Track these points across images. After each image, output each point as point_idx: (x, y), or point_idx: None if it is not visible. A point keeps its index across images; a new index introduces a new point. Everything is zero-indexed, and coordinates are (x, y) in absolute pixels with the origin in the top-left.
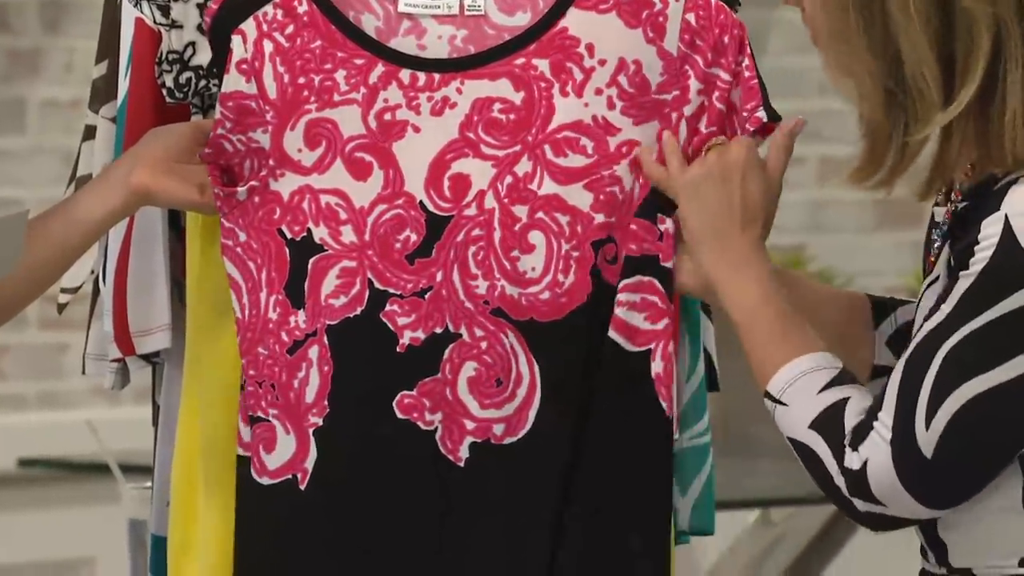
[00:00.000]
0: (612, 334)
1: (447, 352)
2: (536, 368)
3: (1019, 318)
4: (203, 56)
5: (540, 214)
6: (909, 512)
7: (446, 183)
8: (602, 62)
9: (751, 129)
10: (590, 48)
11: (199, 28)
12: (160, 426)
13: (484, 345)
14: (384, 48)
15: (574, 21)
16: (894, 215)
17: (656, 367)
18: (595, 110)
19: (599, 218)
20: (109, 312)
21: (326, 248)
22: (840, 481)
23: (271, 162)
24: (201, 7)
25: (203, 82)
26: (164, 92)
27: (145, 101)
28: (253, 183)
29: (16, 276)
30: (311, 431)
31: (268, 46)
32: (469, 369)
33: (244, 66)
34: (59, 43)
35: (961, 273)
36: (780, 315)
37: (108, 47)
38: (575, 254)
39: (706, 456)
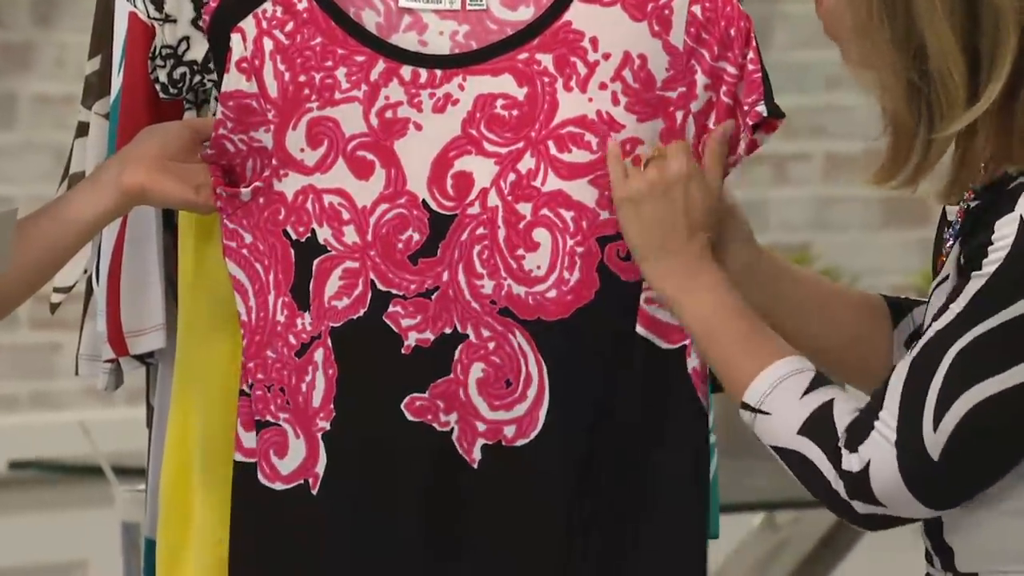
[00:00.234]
0: (643, 332)
1: (457, 353)
2: (544, 368)
3: None
4: (197, 51)
5: (544, 211)
6: (910, 512)
7: (449, 181)
8: (606, 56)
9: (751, 123)
10: (594, 42)
11: (193, 22)
12: (154, 428)
13: (492, 346)
14: (385, 44)
15: (578, 14)
16: (901, 212)
17: (692, 362)
18: (599, 105)
19: (604, 214)
20: (102, 312)
21: (330, 249)
22: (839, 485)
23: (274, 162)
24: (196, 1)
25: (197, 77)
26: (158, 88)
27: (139, 97)
28: (257, 184)
29: (7, 276)
30: (320, 435)
31: (268, 44)
32: (477, 370)
33: (244, 65)
34: (51, 37)
35: (973, 273)
36: (741, 322)
37: (101, 42)
38: (580, 250)
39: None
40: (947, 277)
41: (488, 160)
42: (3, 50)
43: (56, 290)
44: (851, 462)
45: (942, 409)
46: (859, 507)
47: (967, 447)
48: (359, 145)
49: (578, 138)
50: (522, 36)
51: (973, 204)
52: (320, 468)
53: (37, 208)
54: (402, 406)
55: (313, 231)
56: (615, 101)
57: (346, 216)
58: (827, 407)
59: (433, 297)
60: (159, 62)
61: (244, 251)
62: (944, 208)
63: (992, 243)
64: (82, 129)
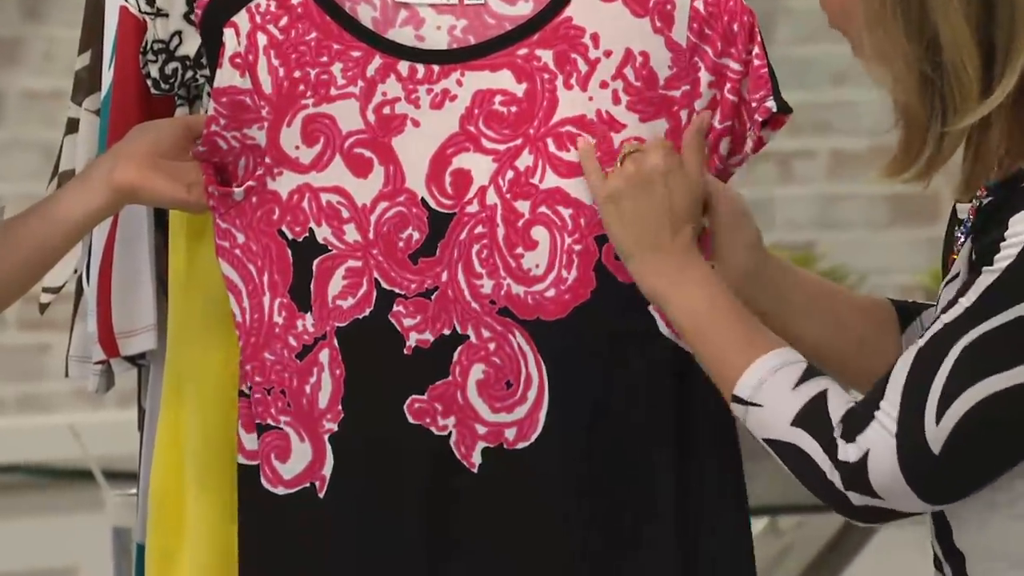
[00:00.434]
0: (666, 331)
1: (456, 354)
2: (544, 368)
3: None
4: (190, 46)
5: (543, 208)
6: (906, 506)
7: (447, 179)
8: (608, 53)
9: (760, 120)
10: (595, 38)
11: (185, 17)
12: (146, 431)
13: (492, 347)
14: (381, 39)
15: (579, 10)
16: (908, 210)
17: None
18: (600, 104)
19: None
20: (93, 312)
21: (330, 248)
22: (834, 476)
23: (268, 160)
24: None
25: (189, 73)
26: (149, 83)
27: (130, 93)
28: (250, 183)
29: None
30: (327, 437)
31: (262, 39)
32: (478, 372)
33: (238, 60)
34: (39, 32)
35: (984, 269)
36: (731, 315)
37: (91, 36)
38: (578, 248)
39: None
40: (957, 274)
41: (486, 157)
42: None
43: (45, 290)
44: (848, 452)
45: (946, 403)
46: (855, 499)
47: (969, 442)
48: (356, 142)
49: (577, 137)
50: (521, 31)
51: (986, 201)
52: (327, 470)
53: (26, 207)
54: (404, 407)
55: (311, 230)
56: (616, 100)
57: (346, 214)
58: (821, 398)
59: (433, 297)
60: (151, 57)
61: (237, 251)
62: (955, 206)
63: (1005, 239)
64: (72, 126)
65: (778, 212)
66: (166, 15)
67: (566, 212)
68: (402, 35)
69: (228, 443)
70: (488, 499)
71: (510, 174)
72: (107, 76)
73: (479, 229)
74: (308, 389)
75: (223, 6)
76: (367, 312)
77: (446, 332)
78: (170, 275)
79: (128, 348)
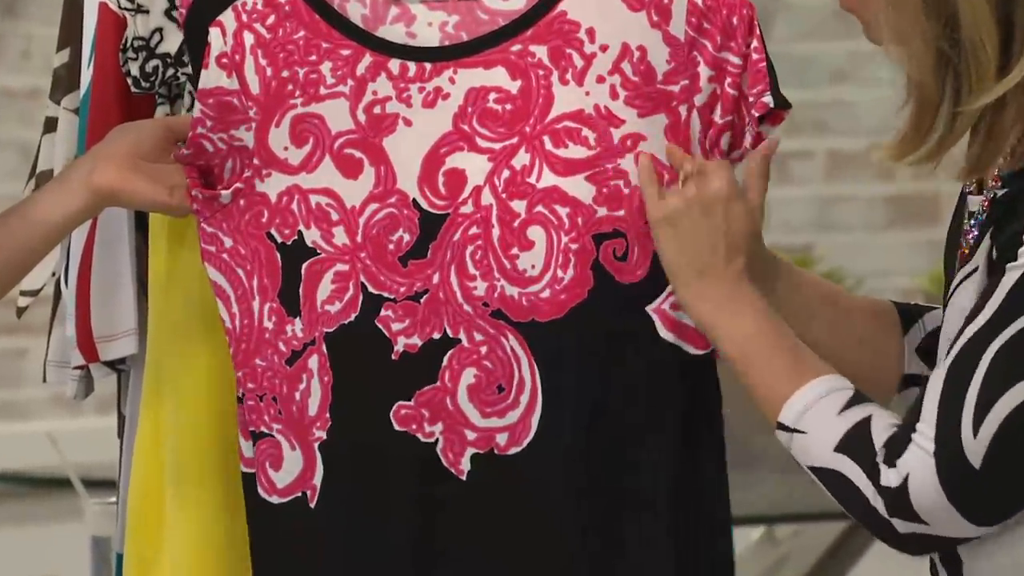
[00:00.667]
0: (667, 336)
1: (446, 359)
2: (537, 372)
3: None
4: (171, 43)
5: (539, 207)
6: (954, 530)
7: (440, 179)
8: (604, 48)
9: (757, 115)
10: (591, 33)
11: (167, 13)
12: (126, 438)
13: (484, 350)
14: (371, 37)
15: (573, 4)
16: (907, 212)
17: (719, 368)
18: (597, 99)
19: (602, 211)
20: (72, 316)
21: (319, 251)
22: (877, 502)
23: (256, 161)
24: None
25: (171, 71)
26: (130, 81)
27: (109, 91)
28: (238, 185)
29: None
30: (316, 445)
31: (249, 38)
32: (469, 376)
33: (224, 60)
34: (17, 28)
35: (1008, 265)
36: (779, 342)
37: (70, 33)
38: (574, 247)
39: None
40: (976, 269)
41: (481, 156)
42: None
43: (23, 293)
44: (889, 477)
45: (982, 412)
46: (899, 526)
47: (1011, 452)
48: (346, 143)
49: (575, 133)
50: (515, 27)
51: (1001, 192)
52: (318, 480)
53: (3, 208)
54: (390, 414)
55: (300, 233)
56: (614, 95)
57: (335, 217)
58: (865, 423)
59: (422, 301)
60: (131, 54)
61: (224, 256)
62: (963, 197)
63: None
64: (50, 125)
65: (774, 214)
66: (147, 11)
67: (563, 211)
68: (393, 32)
69: (210, 450)
70: (478, 506)
71: (506, 173)
72: (86, 74)
73: (473, 230)
74: (298, 396)
75: (208, 5)
76: (353, 317)
77: (436, 336)
78: (150, 278)
79: (108, 353)
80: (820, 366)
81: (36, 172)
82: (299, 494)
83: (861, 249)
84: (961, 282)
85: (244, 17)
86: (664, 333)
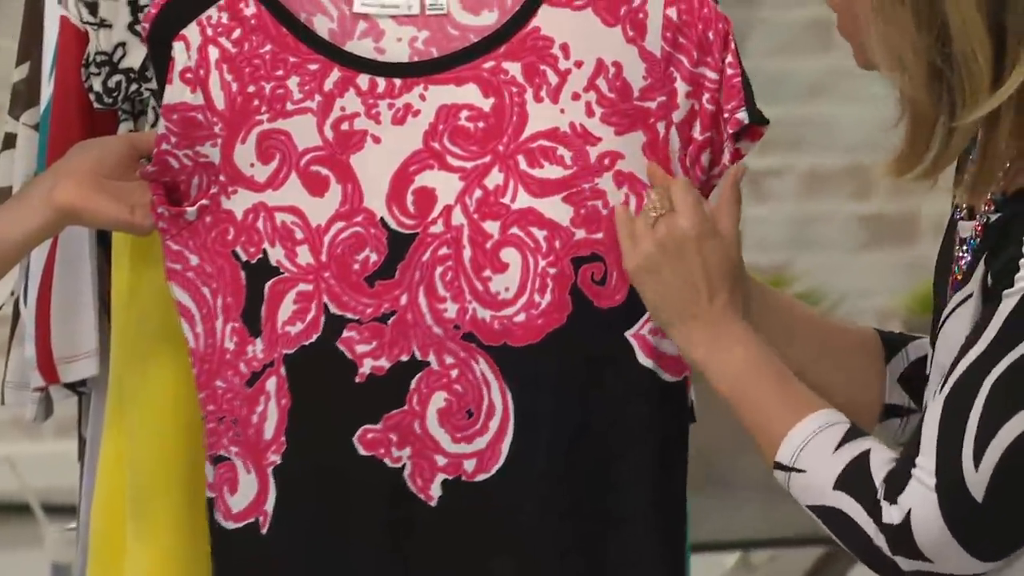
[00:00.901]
0: (646, 362)
1: (414, 382)
2: (509, 397)
3: None
4: (134, 58)
5: (514, 229)
6: (957, 566)
7: (409, 198)
8: (579, 64)
9: (731, 132)
10: (565, 49)
11: (130, 27)
12: (86, 461)
13: (455, 373)
14: (339, 52)
15: (547, 19)
16: (886, 231)
17: (691, 395)
18: (572, 117)
19: (580, 233)
20: (31, 337)
21: (283, 271)
22: (880, 540)
23: (222, 178)
24: (132, 5)
25: (134, 86)
26: (92, 97)
27: (71, 107)
28: (203, 202)
29: None
30: (270, 470)
31: (214, 53)
32: (439, 400)
33: (188, 75)
34: None
35: (1004, 292)
36: (769, 379)
37: (30, 48)
38: (552, 271)
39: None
40: (970, 295)
41: (452, 175)
42: None
43: None
44: (891, 514)
45: (982, 443)
46: (903, 564)
47: (1014, 483)
48: (313, 159)
49: (550, 152)
50: (487, 43)
51: (994, 217)
52: (270, 506)
53: None
54: (355, 439)
55: (265, 252)
56: (589, 112)
57: (299, 235)
58: (863, 459)
59: (389, 322)
60: (93, 70)
61: (190, 274)
62: (952, 222)
63: (1023, 256)
64: (9, 141)
65: (749, 233)
66: (109, 26)
67: (540, 234)
68: (361, 47)
69: (173, 474)
70: (448, 532)
71: (478, 193)
72: (46, 89)
73: (443, 251)
74: (255, 419)
75: (172, 18)
76: (314, 338)
77: (404, 358)
78: (113, 297)
79: (68, 375)
80: (812, 399)
81: None
82: (252, 520)
83: (839, 268)
84: (955, 309)
85: (209, 31)
86: (643, 360)
